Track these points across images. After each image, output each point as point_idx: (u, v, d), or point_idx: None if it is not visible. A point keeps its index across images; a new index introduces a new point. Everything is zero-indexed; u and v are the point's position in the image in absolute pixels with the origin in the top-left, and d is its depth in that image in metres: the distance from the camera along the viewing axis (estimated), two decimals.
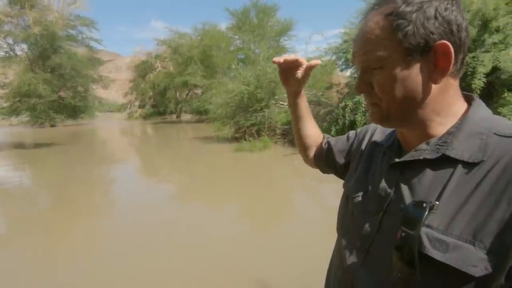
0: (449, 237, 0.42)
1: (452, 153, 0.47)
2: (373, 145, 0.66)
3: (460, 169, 0.46)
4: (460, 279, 0.41)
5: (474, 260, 0.40)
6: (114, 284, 2.32)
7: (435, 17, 0.45)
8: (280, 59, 0.76)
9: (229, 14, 23.10)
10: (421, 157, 0.50)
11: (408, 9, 0.46)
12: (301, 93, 0.84)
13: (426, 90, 0.49)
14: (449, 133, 0.49)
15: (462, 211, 0.43)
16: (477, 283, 0.41)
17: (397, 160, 0.54)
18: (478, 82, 5.14)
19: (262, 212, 4.02)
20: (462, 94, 0.54)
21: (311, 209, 4.05)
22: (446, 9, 0.46)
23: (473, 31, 5.55)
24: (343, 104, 7.68)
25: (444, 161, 0.48)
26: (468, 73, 5.33)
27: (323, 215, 3.69)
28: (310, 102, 10.37)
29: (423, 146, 0.51)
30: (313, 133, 0.88)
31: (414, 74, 0.48)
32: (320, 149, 0.85)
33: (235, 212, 4.16)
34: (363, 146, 0.69)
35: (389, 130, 0.65)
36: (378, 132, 0.68)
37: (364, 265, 0.54)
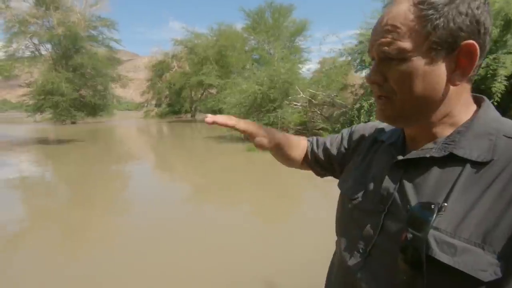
0: (458, 240, 0.41)
1: (460, 152, 0.45)
2: (373, 142, 0.63)
3: (468, 168, 0.44)
4: (468, 284, 0.40)
5: (483, 265, 0.39)
6: (127, 276, 2.42)
7: (467, 14, 0.43)
8: (209, 120, 0.58)
9: (245, 14, 23.26)
10: (428, 155, 0.48)
11: (441, 0, 0.43)
12: (275, 139, 0.69)
13: (444, 91, 0.46)
14: (457, 132, 0.48)
15: (471, 213, 0.41)
16: None
17: (401, 157, 0.51)
18: (499, 85, 4.97)
19: (273, 212, 4.06)
20: (471, 95, 0.51)
21: (321, 208, 4.05)
22: (478, 7, 0.43)
23: (494, 32, 5.38)
24: (358, 105, 7.59)
25: (451, 160, 0.46)
26: (488, 75, 5.16)
27: (332, 215, 3.69)
28: (323, 103, 10.30)
29: (429, 145, 0.49)
30: (296, 144, 0.77)
31: (436, 71, 0.45)
32: (312, 151, 0.77)
33: (247, 211, 4.21)
34: (362, 145, 0.66)
35: (392, 126, 0.62)
36: (379, 129, 0.65)
37: (366, 267, 0.52)
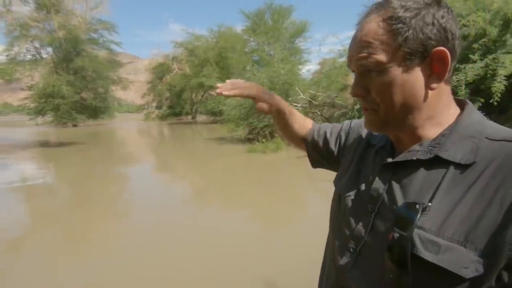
0: (441, 238, 0.43)
1: (445, 154, 0.48)
2: (367, 144, 0.66)
3: (452, 170, 0.46)
4: (451, 281, 0.42)
5: (466, 262, 0.40)
6: (128, 278, 2.43)
7: (433, 24, 0.46)
8: (223, 90, 0.70)
9: (244, 16, 23.31)
10: (414, 158, 0.50)
11: (407, 14, 0.46)
12: (277, 105, 0.77)
13: (423, 96, 0.49)
14: (442, 135, 0.50)
15: (454, 213, 0.43)
16: (468, 285, 0.41)
17: (390, 160, 0.54)
18: (498, 85, 4.96)
19: (274, 213, 4.07)
20: (455, 99, 0.54)
21: (321, 209, 4.06)
22: (442, 17, 0.47)
23: (494, 32, 5.38)
24: (358, 106, 7.60)
25: (436, 162, 0.48)
26: (488, 75, 5.15)
27: None
28: (324, 104, 10.32)
29: (416, 147, 0.52)
30: (299, 121, 0.84)
31: (413, 79, 0.48)
32: (312, 136, 0.81)
33: (248, 213, 4.22)
34: (357, 144, 0.69)
35: None
36: (370, 132, 0.68)
37: (356, 266, 0.54)
